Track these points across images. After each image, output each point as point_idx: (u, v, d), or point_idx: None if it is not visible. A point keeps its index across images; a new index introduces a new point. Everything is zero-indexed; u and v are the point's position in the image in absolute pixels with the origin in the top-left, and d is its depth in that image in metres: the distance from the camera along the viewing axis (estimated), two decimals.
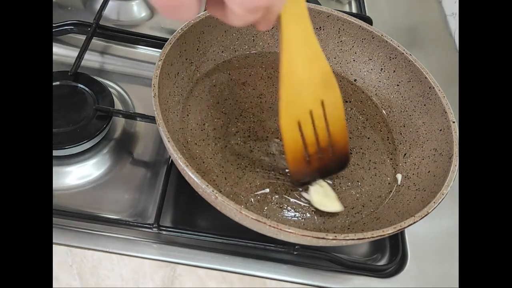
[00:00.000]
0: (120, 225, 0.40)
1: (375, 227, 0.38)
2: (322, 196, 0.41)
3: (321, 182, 0.42)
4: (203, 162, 0.41)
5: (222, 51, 0.49)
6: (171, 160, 0.44)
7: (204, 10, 0.56)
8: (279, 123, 0.37)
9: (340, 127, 0.40)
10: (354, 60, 0.51)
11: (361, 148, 0.46)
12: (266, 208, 0.40)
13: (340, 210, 0.41)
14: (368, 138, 0.47)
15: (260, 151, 0.43)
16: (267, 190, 0.41)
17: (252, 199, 0.40)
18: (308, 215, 0.40)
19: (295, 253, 0.41)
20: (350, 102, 0.49)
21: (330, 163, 0.41)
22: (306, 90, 0.37)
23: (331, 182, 0.42)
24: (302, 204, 0.41)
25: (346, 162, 0.43)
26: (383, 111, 0.49)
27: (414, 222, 0.35)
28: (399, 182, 0.43)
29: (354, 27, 0.49)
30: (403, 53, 0.47)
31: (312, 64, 0.36)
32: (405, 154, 0.45)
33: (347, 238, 0.33)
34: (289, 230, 0.32)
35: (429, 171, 0.42)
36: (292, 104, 0.37)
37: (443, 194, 0.37)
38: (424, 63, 0.46)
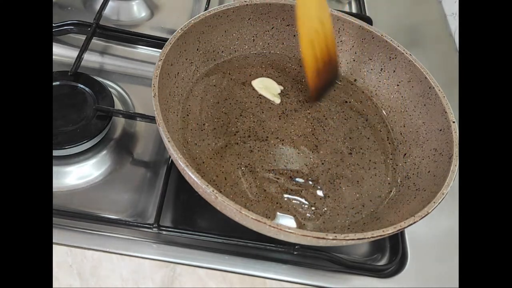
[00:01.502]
0: (120, 225, 0.40)
1: (375, 227, 0.38)
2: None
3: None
4: (203, 162, 0.41)
5: (222, 51, 0.49)
6: (171, 160, 0.44)
7: (206, 6, 0.56)
8: (301, 44, 0.45)
9: (332, 41, 0.46)
10: (354, 60, 0.51)
11: (361, 148, 0.46)
12: (266, 208, 0.40)
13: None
14: (368, 138, 0.47)
15: (260, 151, 0.43)
16: (267, 190, 0.41)
17: (252, 199, 0.40)
18: (308, 215, 0.40)
19: (295, 253, 0.41)
20: (350, 102, 0.49)
21: (329, 76, 0.48)
22: (313, 9, 0.44)
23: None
24: (303, 203, 0.41)
25: (338, 73, 0.50)
26: (383, 111, 0.49)
27: (414, 222, 0.35)
28: None
29: (354, 27, 0.49)
30: (403, 53, 0.47)
31: None
32: (405, 154, 0.45)
33: (347, 238, 0.33)
34: (289, 230, 0.32)
35: (429, 171, 0.42)
36: (306, 25, 0.44)
37: (443, 194, 0.37)
38: (424, 63, 0.46)
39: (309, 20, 0.45)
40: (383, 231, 0.34)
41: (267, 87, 0.48)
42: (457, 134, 0.41)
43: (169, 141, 0.35)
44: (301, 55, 0.46)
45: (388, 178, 0.44)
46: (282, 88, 0.49)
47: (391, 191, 0.43)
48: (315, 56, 0.46)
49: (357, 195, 0.42)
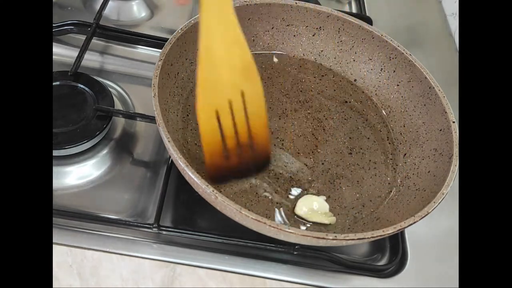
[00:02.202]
0: (120, 225, 0.40)
1: (375, 227, 0.38)
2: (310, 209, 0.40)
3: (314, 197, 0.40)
4: (203, 162, 0.41)
5: None
6: (171, 160, 0.44)
7: None
8: (196, 107, 0.35)
9: (261, 124, 0.38)
10: (354, 60, 0.51)
11: (361, 148, 0.46)
12: (266, 208, 0.40)
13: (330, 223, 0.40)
14: (368, 138, 0.47)
15: None
16: (268, 190, 0.41)
17: (252, 199, 0.40)
18: None
19: (295, 253, 0.41)
20: (350, 102, 0.49)
21: (249, 162, 0.40)
22: (225, 75, 0.35)
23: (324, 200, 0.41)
24: None
25: (267, 164, 0.41)
26: (383, 111, 0.49)
27: (414, 222, 0.35)
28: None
29: (354, 27, 0.49)
30: (403, 53, 0.47)
31: (231, 48, 0.35)
32: (405, 154, 0.45)
33: (347, 238, 0.33)
34: (289, 230, 0.32)
35: (429, 171, 0.42)
36: (210, 88, 0.35)
37: (443, 194, 0.37)
38: (424, 63, 0.46)
39: (215, 84, 0.35)
40: (383, 231, 0.34)
41: (313, 211, 0.39)
42: (457, 134, 0.41)
43: (169, 141, 0.35)
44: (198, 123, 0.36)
45: (388, 178, 0.44)
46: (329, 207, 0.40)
47: (391, 191, 0.43)
48: (219, 131, 0.37)
49: (357, 195, 0.42)
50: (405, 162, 0.45)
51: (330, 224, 0.39)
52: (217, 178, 0.39)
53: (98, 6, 0.56)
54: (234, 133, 0.37)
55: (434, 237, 0.45)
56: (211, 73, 0.35)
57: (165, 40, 0.43)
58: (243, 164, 0.39)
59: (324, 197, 0.41)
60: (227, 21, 0.34)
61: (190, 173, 0.34)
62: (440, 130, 0.43)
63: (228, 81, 0.36)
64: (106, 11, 0.57)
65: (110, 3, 0.57)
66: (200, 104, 0.35)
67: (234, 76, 0.36)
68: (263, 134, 0.39)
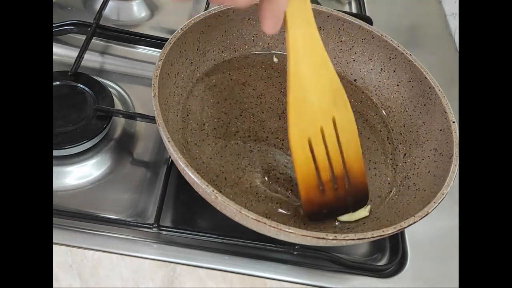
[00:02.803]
0: (120, 225, 0.40)
1: (375, 227, 0.38)
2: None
3: None
4: (203, 162, 0.41)
5: (222, 51, 0.49)
6: (171, 160, 0.44)
7: (206, 6, 0.56)
8: (289, 136, 0.34)
9: (355, 154, 0.36)
10: (354, 60, 0.51)
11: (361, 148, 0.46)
12: (266, 208, 0.40)
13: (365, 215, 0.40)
14: (368, 138, 0.47)
15: (260, 151, 0.43)
16: (268, 190, 0.41)
17: (252, 199, 0.40)
18: None
19: (295, 253, 0.41)
20: (350, 102, 0.49)
21: (346, 198, 0.37)
22: (316, 101, 0.34)
23: None
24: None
25: (365, 200, 0.39)
26: (383, 111, 0.49)
27: (414, 222, 0.35)
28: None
29: (354, 27, 0.49)
30: (403, 53, 0.47)
31: (320, 71, 0.34)
32: (405, 154, 0.45)
33: (347, 238, 0.33)
34: (289, 230, 0.32)
35: (429, 171, 0.42)
36: (302, 115, 0.34)
37: (443, 194, 0.37)
38: (424, 63, 0.46)
39: (306, 110, 0.34)
40: (383, 231, 0.34)
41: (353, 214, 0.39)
42: (457, 134, 0.41)
43: (169, 141, 0.35)
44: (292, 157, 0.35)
45: (388, 178, 0.44)
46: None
47: (391, 191, 0.43)
48: (313, 162, 0.35)
49: None
50: (405, 162, 0.45)
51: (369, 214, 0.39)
52: (313, 215, 0.38)
53: (98, 6, 0.56)
54: (328, 164, 0.36)
55: (434, 237, 0.46)
56: (302, 98, 0.34)
57: (165, 40, 0.43)
58: (339, 199, 0.37)
59: None
60: (314, 44, 0.34)
61: (190, 173, 0.34)
62: (440, 130, 0.43)
63: (318, 107, 0.34)
64: (106, 11, 0.57)
65: (110, 3, 0.57)
66: (293, 132, 0.34)
67: (324, 101, 0.35)
68: (358, 166, 0.37)
